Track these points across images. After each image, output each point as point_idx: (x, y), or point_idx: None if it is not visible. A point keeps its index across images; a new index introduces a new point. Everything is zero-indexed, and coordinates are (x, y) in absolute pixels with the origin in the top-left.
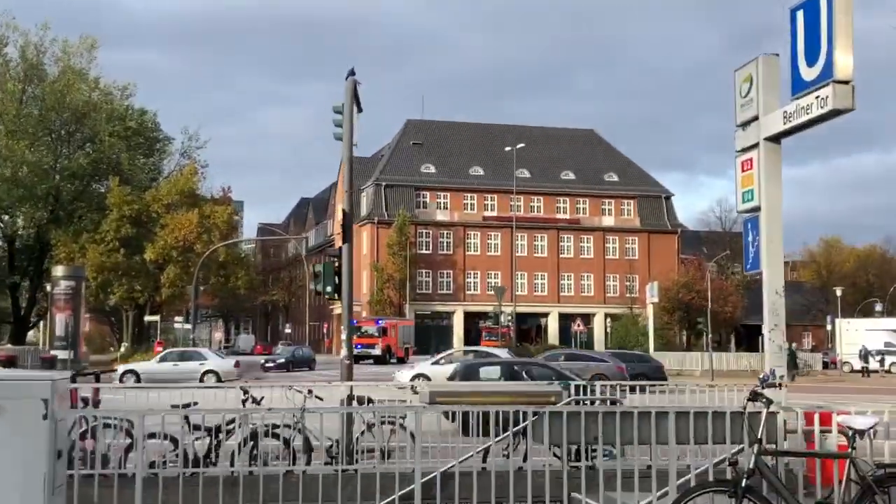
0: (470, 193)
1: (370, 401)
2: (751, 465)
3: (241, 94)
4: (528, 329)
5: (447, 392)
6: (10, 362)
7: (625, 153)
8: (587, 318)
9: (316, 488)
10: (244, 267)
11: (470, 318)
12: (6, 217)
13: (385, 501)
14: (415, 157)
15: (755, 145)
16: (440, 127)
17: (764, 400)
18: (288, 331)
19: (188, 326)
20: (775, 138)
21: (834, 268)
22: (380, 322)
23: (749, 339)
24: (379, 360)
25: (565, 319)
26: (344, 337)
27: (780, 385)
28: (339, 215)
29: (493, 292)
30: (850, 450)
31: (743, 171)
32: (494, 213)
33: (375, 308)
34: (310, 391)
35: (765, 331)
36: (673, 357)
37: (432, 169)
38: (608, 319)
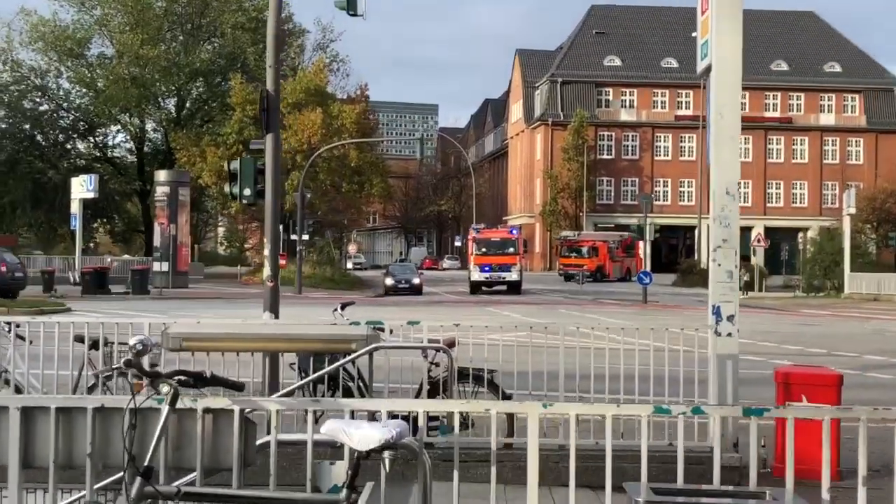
0: (661, 89)
1: (107, 343)
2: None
3: None
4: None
5: (200, 336)
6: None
7: (851, 39)
8: (796, 233)
9: None
10: (379, 173)
11: (657, 231)
12: (135, 119)
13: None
14: (597, 49)
15: None
16: (629, 13)
17: (162, 382)
18: (458, 243)
19: (303, 237)
20: None
21: None
22: (515, 231)
23: None
24: (513, 289)
25: (773, 234)
26: (267, 251)
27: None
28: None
29: (686, 202)
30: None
31: (702, 13)
32: (689, 112)
33: (549, 220)
34: (10, 327)
35: (711, 249)
36: (868, 279)
37: (617, 62)
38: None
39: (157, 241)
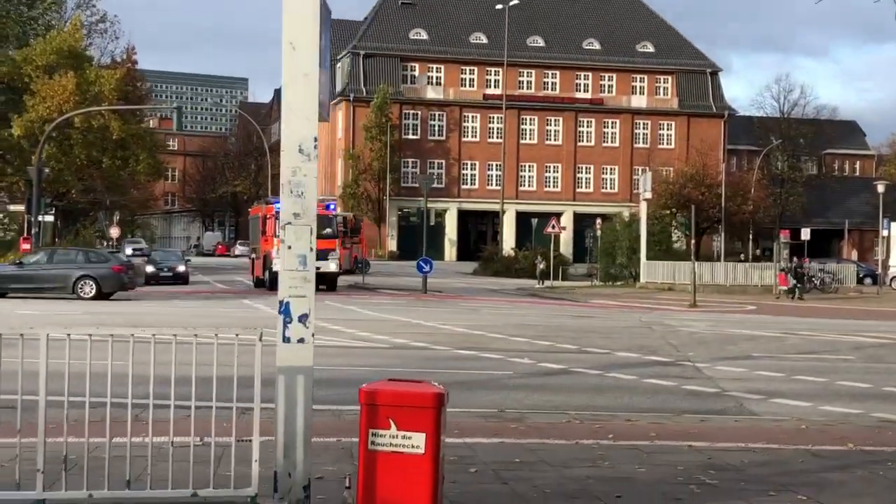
0: (469, 66)
1: None
2: None
3: None
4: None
5: None
6: None
7: (666, 19)
8: (606, 219)
9: None
10: (147, 147)
11: (466, 217)
12: None
13: None
14: (403, 21)
15: None
16: None
17: None
18: None
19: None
20: None
21: None
22: (332, 207)
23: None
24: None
25: (582, 220)
26: None
27: None
28: None
29: (495, 187)
30: None
31: None
32: (499, 91)
33: (350, 203)
34: None
35: (279, 227)
36: (664, 268)
37: (424, 35)
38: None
39: None
